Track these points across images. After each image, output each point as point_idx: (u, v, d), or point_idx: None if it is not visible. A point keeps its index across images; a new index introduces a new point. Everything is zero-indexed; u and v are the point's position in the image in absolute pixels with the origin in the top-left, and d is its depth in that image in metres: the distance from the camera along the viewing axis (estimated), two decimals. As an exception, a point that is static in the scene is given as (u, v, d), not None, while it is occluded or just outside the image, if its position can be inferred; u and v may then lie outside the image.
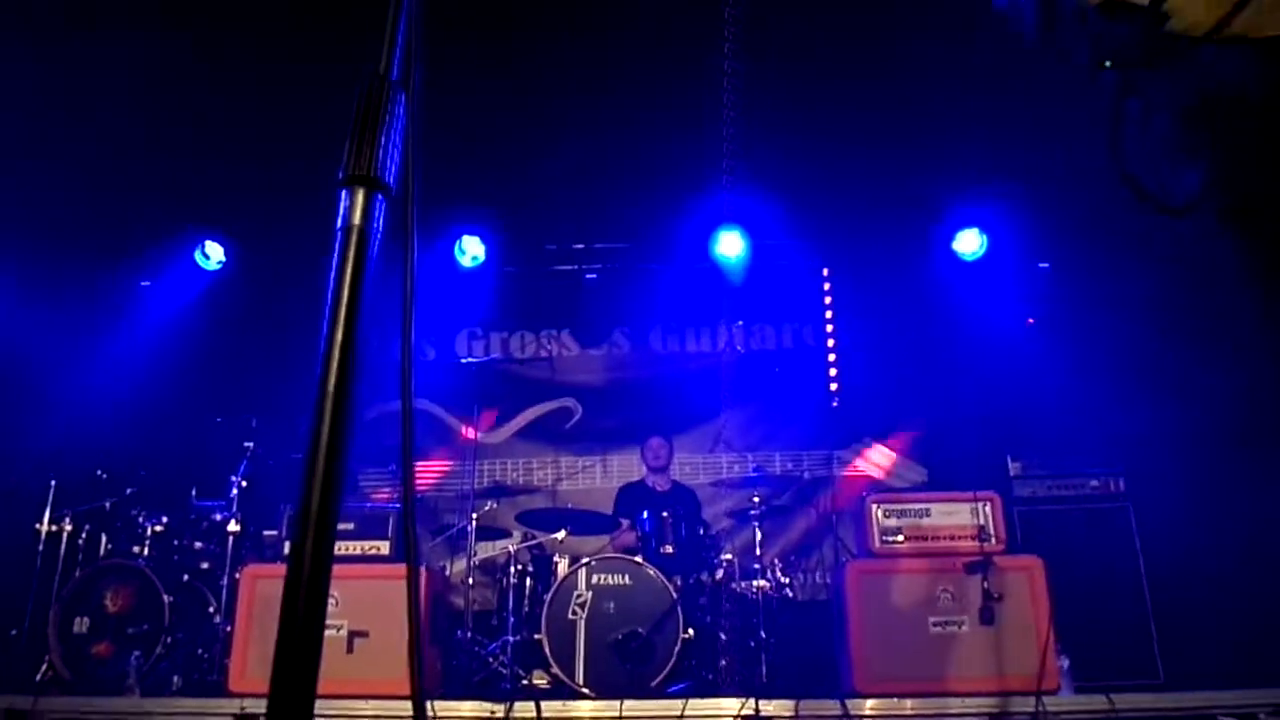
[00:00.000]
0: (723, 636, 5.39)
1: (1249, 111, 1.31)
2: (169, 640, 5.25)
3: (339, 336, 1.01)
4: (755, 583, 5.47)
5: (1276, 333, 1.42)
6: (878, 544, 4.97)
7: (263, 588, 4.92)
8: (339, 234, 1.08)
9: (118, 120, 6.10)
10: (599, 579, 5.14)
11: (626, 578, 5.15)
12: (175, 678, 5.23)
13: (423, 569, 5.13)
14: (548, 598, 5.11)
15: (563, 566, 5.41)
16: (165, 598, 5.30)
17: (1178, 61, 1.30)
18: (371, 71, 1.15)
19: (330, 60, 4.07)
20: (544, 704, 4.52)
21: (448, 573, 6.15)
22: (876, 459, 7.42)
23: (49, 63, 5.60)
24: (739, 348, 7.99)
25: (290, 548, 0.98)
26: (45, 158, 6.21)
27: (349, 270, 1.05)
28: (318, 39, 5.22)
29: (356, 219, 1.07)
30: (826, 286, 8.00)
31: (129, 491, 5.90)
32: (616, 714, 4.49)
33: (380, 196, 1.10)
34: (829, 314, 7.95)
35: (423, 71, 1.21)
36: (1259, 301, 1.42)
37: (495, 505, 6.21)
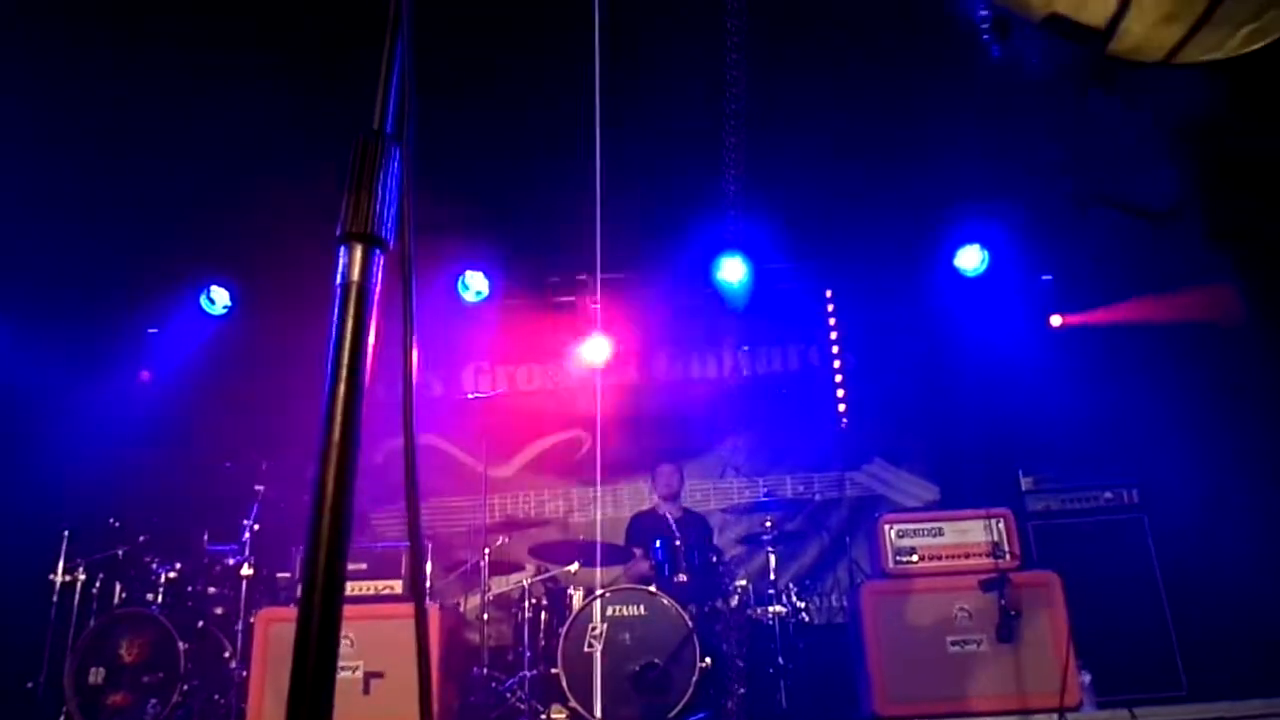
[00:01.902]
0: (740, 664, 5.36)
1: (1211, 133, 1.32)
2: (185, 688, 5.24)
3: (342, 392, 1.03)
4: (771, 608, 5.46)
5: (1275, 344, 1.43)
6: (892, 564, 4.96)
7: (277, 631, 4.91)
8: (338, 290, 1.10)
9: (121, 165, 6.16)
10: (614, 610, 5.13)
11: (641, 608, 5.13)
12: (192, 725, 5.23)
13: (436, 606, 5.12)
14: (563, 631, 5.09)
15: (577, 599, 5.40)
16: (180, 645, 5.29)
17: (1132, 80, 1.31)
18: (366, 127, 1.18)
19: (335, 105, 4.13)
20: (563, 739, 4.50)
21: (462, 609, 6.14)
22: None
23: (51, 108, 5.67)
24: (745, 372, 8.00)
25: (300, 593, 0.99)
26: (50, 205, 6.27)
27: (349, 327, 1.07)
28: (322, 84, 5.29)
29: (355, 275, 1.10)
30: (830, 307, 8.02)
31: (141, 539, 5.91)
32: (636, 746, 4.46)
33: (378, 251, 1.13)
34: (834, 334, 7.96)
35: (416, 125, 1.24)
36: (1257, 313, 1.43)
37: (507, 539, 6.20)
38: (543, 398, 8.05)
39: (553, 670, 5.05)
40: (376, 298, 1.10)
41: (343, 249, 1.12)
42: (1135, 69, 1.26)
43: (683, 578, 5.45)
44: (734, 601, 5.54)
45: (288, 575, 5.70)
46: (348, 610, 1.01)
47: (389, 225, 1.14)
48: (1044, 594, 4.78)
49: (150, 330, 7.93)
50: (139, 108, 5.68)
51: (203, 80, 5.49)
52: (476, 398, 6.48)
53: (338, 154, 1.20)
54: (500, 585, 6.11)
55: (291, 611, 5.03)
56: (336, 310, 1.08)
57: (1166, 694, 5.13)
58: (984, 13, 1.42)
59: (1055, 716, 4.39)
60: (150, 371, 7.82)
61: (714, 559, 5.76)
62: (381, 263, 1.13)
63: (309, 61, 5.36)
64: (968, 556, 4.93)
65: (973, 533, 4.99)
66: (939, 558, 4.96)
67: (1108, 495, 5.91)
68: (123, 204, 6.46)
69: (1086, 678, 4.70)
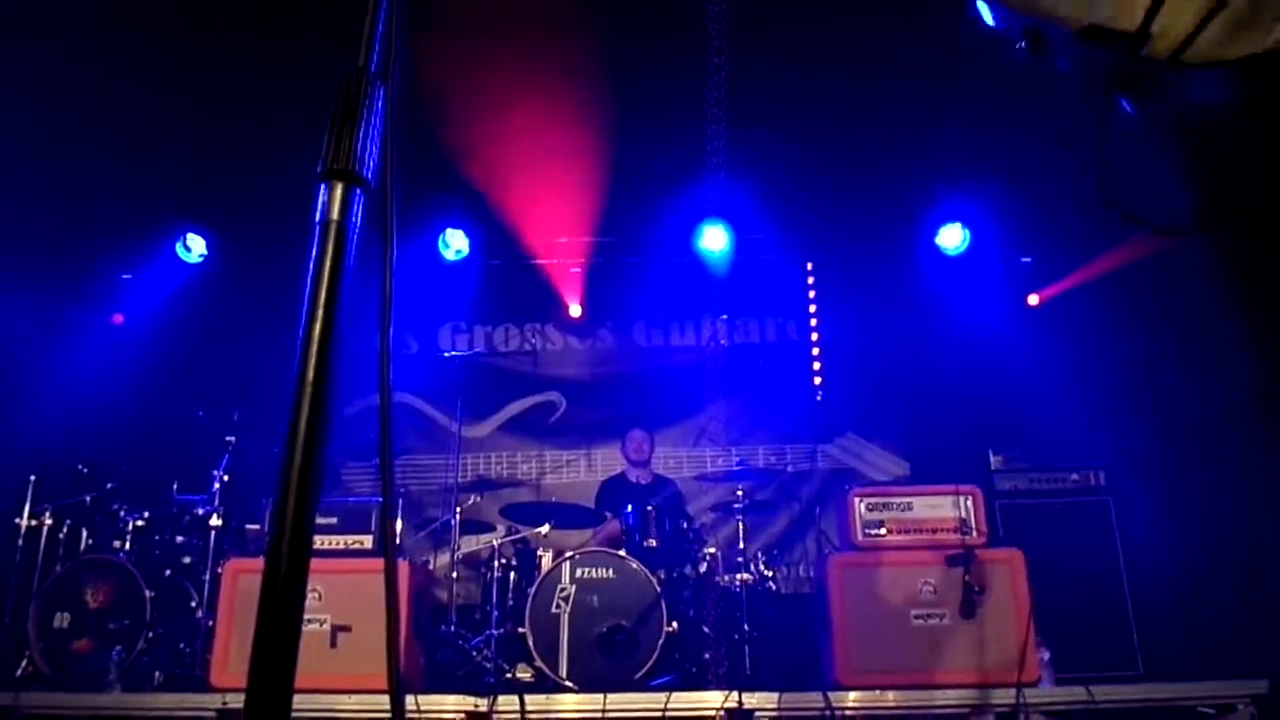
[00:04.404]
0: (706, 630, 5.41)
1: (1230, 134, 1.30)
2: (150, 635, 5.22)
3: (317, 331, 1.01)
4: (739, 576, 5.49)
5: (1254, 331, 1.42)
6: (860, 537, 4.99)
7: (245, 582, 4.89)
8: (317, 228, 1.08)
9: (98, 112, 6.05)
10: (583, 573, 5.15)
11: (610, 571, 5.15)
12: (157, 673, 5.21)
13: (406, 563, 5.12)
14: (531, 591, 5.11)
15: (547, 560, 5.41)
16: (146, 593, 5.26)
17: (1161, 84, 1.28)
18: (351, 65, 1.14)
19: (314, 51, 4.05)
20: (528, 698, 4.53)
21: (431, 566, 6.15)
22: None
23: (26, 58, 5.54)
24: (723, 341, 8.00)
25: (268, 542, 0.98)
26: (26, 150, 6.14)
27: (327, 265, 1.05)
28: (301, 29, 5.19)
29: (335, 213, 1.08)
30: (810, 280, 8.02)
31: (110, 486, 5.85)
32: (600, 707, 4.50)
33: (359, 190, 1.10)
34: (813, 308, 7.97)
35: (403, 64, 1.21)
36: (1239, 306, 1.42)
37: (479, 499, 6.20)
38: (519, 359, 8.03)
39: (520, 630, 5.07)
40: (356, 238, 1.08)
41: (323, 186, 1.09)
42: (1164, 71, 1.24)
43: (652, 543, 5.47)
44: (702, 568, 5.58)
45: (257, 527, 5.68)
46: (317, 564, 1.00)
47: (371, 165, 1.11)
48: (1007, 571, 4.83)
49: (124, 276, 7.81)
50: (111, 50, 5.55)
51: (181, 20, 5.38)
52: (453, 356, 6.44)
53: (320, 102, 1.17)
54: (470, 544, 6.11)
55: (260, 563, 5.01)
56: (315, 248, 1.06)
57: (1123, 673, 5.23)
58: (1017, 27, 1.39)
59: (1014, 692, 4.46)
60: (123, 316, 7.73)
61: (684, 525, 5.79)
62: (362, 204, 1.11)
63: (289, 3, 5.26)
64: (935, 532, 4.97)
65: (941, 508, 5.02)
66: (907, 532, 4.99)
67: (1074, 477, 5.98)
68: (97, 147, 6.34)
69: (1045, 655, 4.77)
